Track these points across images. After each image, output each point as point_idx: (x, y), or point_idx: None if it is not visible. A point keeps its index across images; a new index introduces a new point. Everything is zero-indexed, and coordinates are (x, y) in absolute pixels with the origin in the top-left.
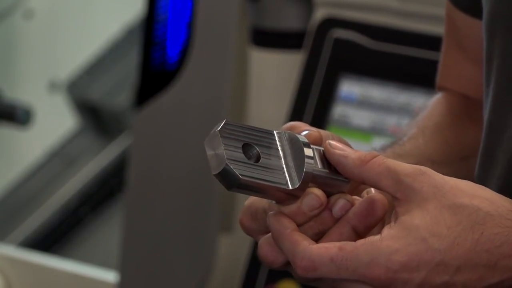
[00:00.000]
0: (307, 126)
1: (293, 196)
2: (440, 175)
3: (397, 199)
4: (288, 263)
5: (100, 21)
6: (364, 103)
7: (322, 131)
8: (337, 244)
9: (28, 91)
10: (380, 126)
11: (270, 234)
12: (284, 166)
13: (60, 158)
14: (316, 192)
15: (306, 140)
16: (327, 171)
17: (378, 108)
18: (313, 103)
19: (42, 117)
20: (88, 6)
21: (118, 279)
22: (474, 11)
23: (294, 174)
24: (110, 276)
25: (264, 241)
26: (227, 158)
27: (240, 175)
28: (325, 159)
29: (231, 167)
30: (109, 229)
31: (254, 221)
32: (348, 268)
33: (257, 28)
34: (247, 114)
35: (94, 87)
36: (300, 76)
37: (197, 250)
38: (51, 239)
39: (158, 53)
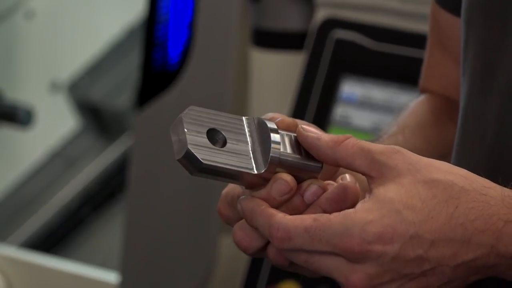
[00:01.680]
0: (284, 117)
1: (261, 181)
2: (415, 154)
3: (371, 177)
4: (262, 249)
5: (101, 21)
6: (365, 104)
7: (298, 120)
8: (312, 215)
9: (29, 92)
10: (381, 126)
11: (244, 220)
12: (250, 151)
13: (61, 159)
14: (285, 177)
15: (275, 126)
16: (297, 156)
17: (379, 109)
18: (314, 103)
19: (43, 117)
20: (89, 6)
21: (119, 280)
22: (457, 10)
23: (260, 158)
24: (111, 276)
25: (238, 226)
26: (189, 143)
27: (202, 159)
28: (297, 144)
29: (193, 151)
30: (110, 229)
31: (231, 209)
32: (321, 239)
33: (258, 29)
34: (248, 115)
35: (95, 88)
36: (301, 77)
37: (198, 250)
38: (52, 240)
39: (159, 53)
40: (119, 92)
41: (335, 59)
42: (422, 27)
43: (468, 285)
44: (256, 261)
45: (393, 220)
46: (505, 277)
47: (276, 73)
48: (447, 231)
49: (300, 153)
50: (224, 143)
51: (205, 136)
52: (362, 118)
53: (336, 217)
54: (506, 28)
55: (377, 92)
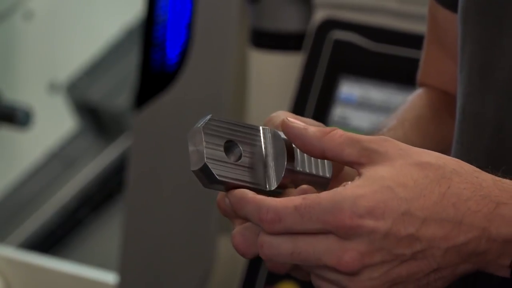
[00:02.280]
0: (291, 115)
1: (272, 194)
2: (404, 143)
3: (361, 164)
4: (258, 256)
5: (99, 22)
6: (363, 105)
7: (309, 120)
8: (301, 196)
9: (28, 93)
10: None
11: (244, 225)
12: (264, 165)
13: (60, 160)
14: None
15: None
16: (307, 171)
17: (377, 109)
18: (313, 104)
19: (41, 118)
20: (88, 7)
21: (118, 280)
22: (455, 6)
23: (273, 174)
24: (110, 277)
25: (237, 232)
26: (206, 157)
27: (217, 175)
28: (308, 157)
29: (210, 167)
30: (109, 230)
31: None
32: (312, 216)
33: (257, 30)
34: (247, 116)
35: (93, 89)
36: (300, 78)
37: (196, 251)
38: (51, 241)
39: (157, 54)
40: (118, 92)
41: (334, 60)
42: (420, 27)
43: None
44: (255, 261)
45: (384, 195)
46: (493, 271)
47: (275, 74)
48: (439, 210)
49: (310, 167)
50: (239, 157)
51: (222, 149)
52: (361, 119)
53: (326, 194)
54: (502, 27)
55: (376, 93)
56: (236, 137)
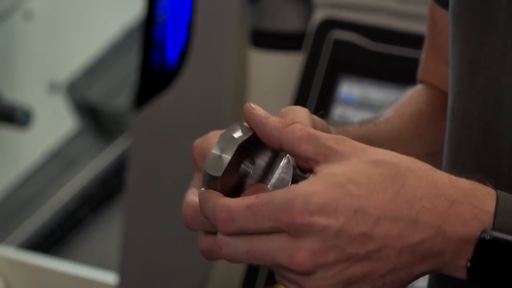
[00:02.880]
0: (306, 113)
1: None
2: (362, 143)
3: (317, 161)
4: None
5: (99, 22)
6: (363, 104)
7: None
8: (255, 194)
9: (28, 92)
10: None
11: (192, 198)
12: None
13: (60, 160)
14: None
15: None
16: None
17: (377, 109)
18: (313, 104)
19: (41, 118)
20: (88, 7)
21: (118, 281)
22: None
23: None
24: (110, 277)
25: (186, 203)
26: (224, 171)
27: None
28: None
29: (220, 179)
30: (109, 230)
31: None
32: (264, 214)
33: (257, 29)
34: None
35: (93, 89)
36: (300, 77)
37: (196, 251)
38: (51, 241)
39: (157, 54)
40: (118, 92)
41: (333, 60)
42: (420, 27)
43: None
44: None
45: (337, 192)
46: (450, 272)
47: (275, 74)
48: (393, 208)
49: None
50: (245, 176)
51: (241, 168)
52: (361, 119)
53: (279, 191)
54: (488, 24)
55: (375, 93)
56: (257, 157)
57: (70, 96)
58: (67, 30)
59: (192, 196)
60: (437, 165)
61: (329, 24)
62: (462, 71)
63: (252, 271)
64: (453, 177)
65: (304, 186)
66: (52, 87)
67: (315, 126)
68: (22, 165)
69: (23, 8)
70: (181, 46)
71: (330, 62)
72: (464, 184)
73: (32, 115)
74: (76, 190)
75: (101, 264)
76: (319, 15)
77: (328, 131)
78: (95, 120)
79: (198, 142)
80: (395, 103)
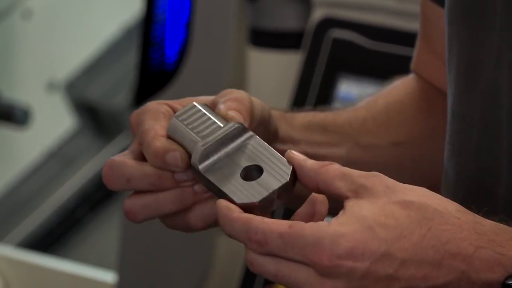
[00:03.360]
0: (245, 94)
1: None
2: (392, 179)
3: (348, 197)
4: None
5: (98, 21)
6: None
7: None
8: (289, 222)
9: (26, 91)
10: None
11: (123, 154)
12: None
13: (58, 159)
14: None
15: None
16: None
17: None
18: (312, 103)
19: (40, 117)
20: (87, 6)
21: (117, 280)
22: (442, 0)
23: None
24: (109, 276)
25: (109, 160)
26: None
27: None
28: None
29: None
30: (108, 229)
31: (136, 127)
32: (294, 246)
33: (255, 28)
34: None
35: (92, 87)
36: (299, 76)
37: (195, 251)
38: (50, 240)
39: (156, 53)
40: (116, 91)
41: (332, 59)
42: (419, 26)
43: None
44: None
45: (365, 235)
46: None
47: (273, 73)
48: (418, 252)
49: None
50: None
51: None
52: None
53: (310, 227)
54: (485, 26)
55: (374, 92)
56: (261, 163)
57: (69, 95)
58: (66, 29)
59: (121, 156)
60: (406, 154)
61: (328, 23)
62: (460, 73)
63: (251, 272)
64: (478, 219)
65: (334, 226)
66: (51, 86)
67: (254, 109)
68: (21, 164)
69: (22, 7)
70: (179, 45)
71: (329, 61)
72: (488, 229)
73: (30, 114)
74: (74, 189)
75: (99, 263)
76: (317, 14)
77: (269, 115)
78: (94, 119)
79: (136, 111)
80: (377, 92)
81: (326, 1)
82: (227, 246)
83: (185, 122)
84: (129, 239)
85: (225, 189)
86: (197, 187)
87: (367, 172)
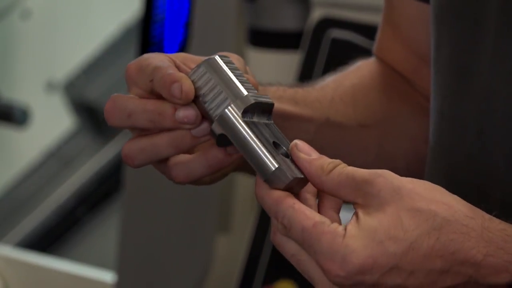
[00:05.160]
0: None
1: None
2: (398, 177)
3: (357, 203)
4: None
5: (97, 21)
6: None
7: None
8: (317, 218)
9: (25, 91)
10: None
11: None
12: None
13: (57, 158)
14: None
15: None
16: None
17: None
18: None
19: (39, 117)
20: (86, 6)
21: (116, 279)
22: None
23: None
24: (108, 276)
25: (112, 98)
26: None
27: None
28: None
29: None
30: (107, 229)
31: (140, 72)
32: (310, 246)
33: (255, 28)
34: None
35: (91, 87)
36: (298, 76)
37: (194, 250)
38: (49, 239)
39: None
40: (115, 91)
41: (331, 58)
42: None
43: None
44: (252, 261)
45: (375, 251)
46: None
47: (272, 73)
48: (426, 263)
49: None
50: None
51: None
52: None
53: (329, 233)
54: (479, 30)
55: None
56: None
57: (68, 95)
58: (64, 29)
59: (119, 96)
60: (371, 136)
61: (327, 23)
62: (451, 75)
63: (250, 271)
64: (486, 224)
65: (347, 240)
66: (50, 86)
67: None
68: (20, 164)
69: (21, 7)
70: (179, 45)
71: (328, 61)
72: (497, 235)
73: (29, 114)
74: (73, 189)
75: (99, 263)
76: (316, 14)
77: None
78: (93, 119)
79: (134, 62)
80: (340, 72)
81: (325, 1)
82: (227, 246)
83: (227, 66)
84: (128, 239)
85: (267, 154)
86: (196, 132)
87: (370, 173)
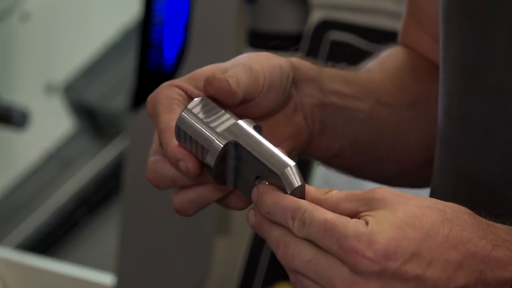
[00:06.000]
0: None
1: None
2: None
3: (362, 212)
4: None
5: (96, 23)
6: None
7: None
8: (334, 213)
9: (25, 94)
10: None
11: (154, 159)
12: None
13: (57, 161)
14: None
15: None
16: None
17: None
18: None
19: (38, 119)
20: (85, 8)
21: (115, 282)
22: None
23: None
24: (107, 278)
25: (149, 168)
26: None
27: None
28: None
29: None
30: (106, 231)
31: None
32: (333, 234)
33: (254, 30)
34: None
35: (90, 90)
36: None
37: (194, 252)
38: (48, 242)
39: (154, 55)
40: (115, 93)
41: (331, 61)
42: None
43: None
44: (252, 262)
45: (397, 234)
46: None
47: None
48: (443, 252)
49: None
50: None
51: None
52: None
53: (353, 222)
54: (488, 29)
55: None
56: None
57: (67, 97)
58: (64, 31)
59: (156, 155)
60: (420, 116)
61: (326, 25)
62: (459, 75)
63: (249, 272)
64: (490, 222)
65: (371, 224)
66: (49, 88)
67: (257, 78)
68: (19, 166)
69: (20, 9)
70: (178, 47)
71: (327, 63)
72: (501, 230)
73: (29, 116)
74: (73, 191)
75: (98, 265)
76: (316, 16)
77: (281, 77)
78: (92, 121)
79: (151, 98)
80: (376, 58)
81: (325, 3)
82: (226, 248)
83: (196, 117)
84: (127, 241)
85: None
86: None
87: (367, 190)
